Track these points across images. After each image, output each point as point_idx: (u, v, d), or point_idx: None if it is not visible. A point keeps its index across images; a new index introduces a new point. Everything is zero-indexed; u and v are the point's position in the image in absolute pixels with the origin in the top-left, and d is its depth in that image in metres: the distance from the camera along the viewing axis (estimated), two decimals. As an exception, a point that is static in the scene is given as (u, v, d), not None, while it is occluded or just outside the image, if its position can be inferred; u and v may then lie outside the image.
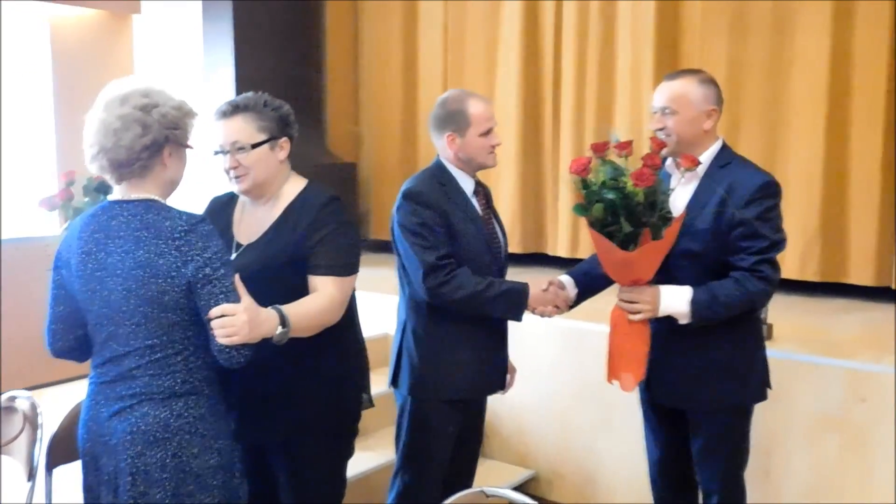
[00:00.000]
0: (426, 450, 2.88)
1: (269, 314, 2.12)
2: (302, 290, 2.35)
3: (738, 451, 2.76)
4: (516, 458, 4.13)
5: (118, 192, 2.18)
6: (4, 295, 4.98)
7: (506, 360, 2.98)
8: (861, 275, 4.21)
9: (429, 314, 2.81)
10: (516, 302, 2.70)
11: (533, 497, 3.98)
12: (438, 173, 2.77)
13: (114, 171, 2.12)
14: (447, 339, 2.81)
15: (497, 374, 2.95)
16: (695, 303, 2.49)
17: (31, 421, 2.74)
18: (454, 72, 5.59)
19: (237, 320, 2.02)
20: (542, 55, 5.23)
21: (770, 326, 3.29)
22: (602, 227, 2.47)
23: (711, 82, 2.69)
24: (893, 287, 4.13)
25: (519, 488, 3.90)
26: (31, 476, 2.71)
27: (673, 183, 2.60)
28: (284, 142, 2.52)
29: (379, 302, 4.39)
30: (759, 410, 2.95)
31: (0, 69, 5.14)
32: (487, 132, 2.83)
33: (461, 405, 2.86)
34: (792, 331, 3.53)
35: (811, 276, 4.28)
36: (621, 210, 2.42)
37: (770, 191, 2.59)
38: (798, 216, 4.23)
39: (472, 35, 5.50)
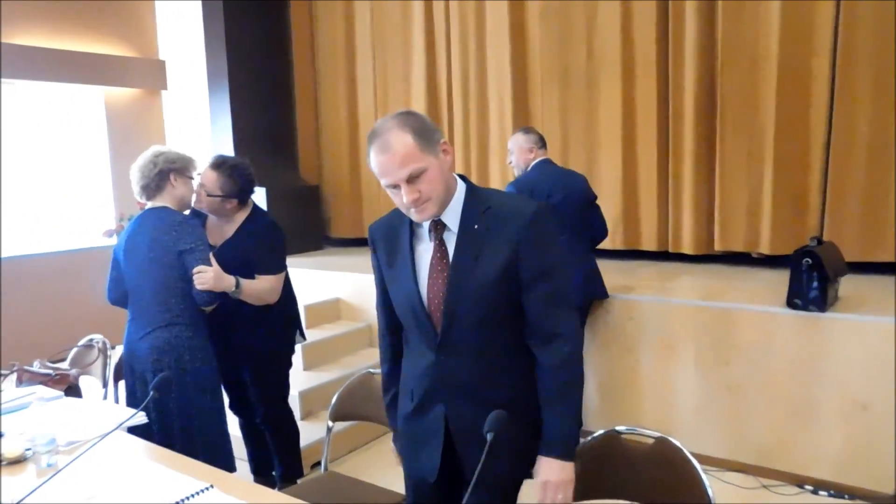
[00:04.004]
0: None
1: (229, 277, 2.61)
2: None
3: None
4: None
5: (147, 200, 2.67)
6: (83, 283, 5.56)
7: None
8: (649, 243, 4.78)
9: None
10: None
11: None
12: None
13: (142, 191, 2.65)
14: None
15: None
16: None
17: (103, 352, 3.20)
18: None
19: (207, 276, 2.49)
20: (440, 110, 5.70)
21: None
22: None
23: (531, 130, 3.54)
24: (670, 250, 4.70)
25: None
26: (105, 385, 3.17)
27: None
28: (233, 201, 2.81)
29: (328, 277, 5.05)
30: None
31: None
32: None
33: None
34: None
35: (619, 245, 4.81)
36: None
37: None
38: (608, 206, 4.67)
39: (392, 95, 5.95)
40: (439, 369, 1.72)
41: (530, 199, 1.73)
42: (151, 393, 1.78)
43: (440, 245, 1.71)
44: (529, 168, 3.62)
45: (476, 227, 1.67)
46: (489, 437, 1.43)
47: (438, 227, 1.70)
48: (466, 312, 1.67)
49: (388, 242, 1.80)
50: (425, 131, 1.61)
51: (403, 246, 1.75)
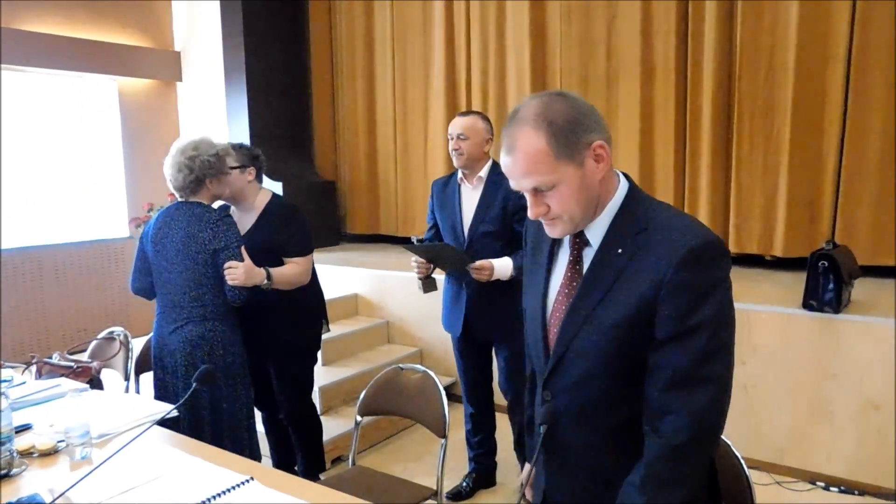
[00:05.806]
0: None
1: (260, 271, 2.63)
2: (270, 264, 2.75)
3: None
4: (409, 342, 4.73)
5: (182, 198, 2.66)
6: (106, 271, 5.64)
7: None
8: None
9: None
10: None
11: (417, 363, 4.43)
12: None
13: (177, 191, 2.64)
14: None
15: None
16: (516, 267, 2.79)
17: (125, 345, 3.21)
18: (400, 118, 5.99)
19: (238, 271, 2.52)
20: (459, 108, 5.48)
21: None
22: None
23: (488, 119, 3.04)
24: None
25: (409, 357, 4.53)
26: (126, 378, 3.16)
27: (465, 191, 3.04)
28: (251, 170, 2.88)
29: (345, 273, 5.06)
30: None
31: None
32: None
33: None
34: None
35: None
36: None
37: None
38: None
39: (411, 93, 5.90)
40: (546, 412, 1.36)
41: (699, 227, 1.26)
42: (194, 385, 1.77)
43: (575, 263, 1.36)
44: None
45: (620, 251, 1.28)
46: (542, 429, 1.33)
47: (579, 238, 1.36)
48: (578, 356, 1.32)
49: (537, 235, 1.48)
50: (570, 131, 1.23)
51: (545, 248, 1.44)
